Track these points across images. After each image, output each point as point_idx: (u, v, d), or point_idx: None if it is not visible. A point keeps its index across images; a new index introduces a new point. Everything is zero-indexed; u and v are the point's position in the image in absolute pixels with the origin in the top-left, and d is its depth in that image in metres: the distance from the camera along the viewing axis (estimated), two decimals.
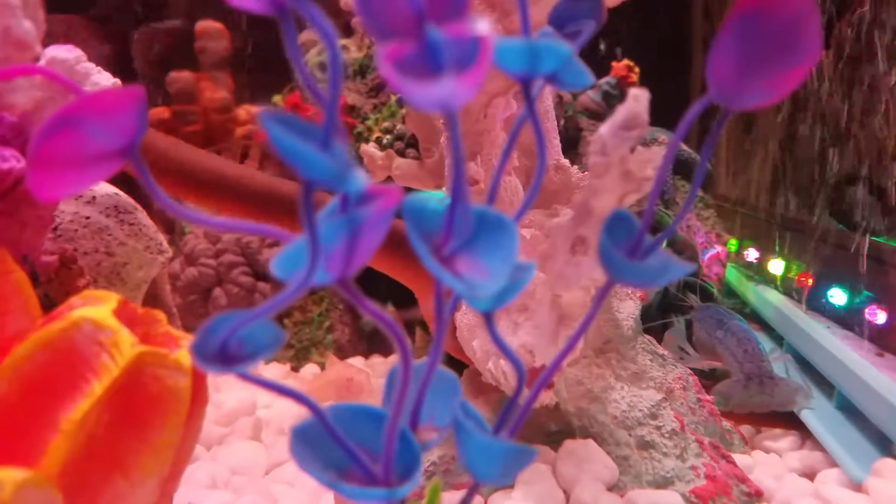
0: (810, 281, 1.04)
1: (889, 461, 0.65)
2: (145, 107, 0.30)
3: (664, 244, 1.28)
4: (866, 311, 0.86)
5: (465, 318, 0.70)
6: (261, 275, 1.29)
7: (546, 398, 0.65)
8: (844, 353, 0.82)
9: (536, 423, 0.71)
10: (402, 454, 0.32)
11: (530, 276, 0.37)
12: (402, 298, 1.05)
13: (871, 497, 0.62)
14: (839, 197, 1.07)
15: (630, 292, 0.83)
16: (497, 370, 0.64)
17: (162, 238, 0.79)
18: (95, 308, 0.32)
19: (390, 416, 0.31)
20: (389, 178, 0.91)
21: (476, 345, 0.68)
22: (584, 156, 1.42)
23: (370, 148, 0.95)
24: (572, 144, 1.44)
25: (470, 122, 0.67)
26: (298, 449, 0.27)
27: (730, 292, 1.35)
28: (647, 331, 1.12)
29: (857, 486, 0.66)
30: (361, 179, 0.25)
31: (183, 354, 0.32)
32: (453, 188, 0.30)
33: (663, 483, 0.65)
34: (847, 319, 0.94)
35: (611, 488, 0.64)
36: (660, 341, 1.08)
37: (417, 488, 0.68)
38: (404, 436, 0.35)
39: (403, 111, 1.30)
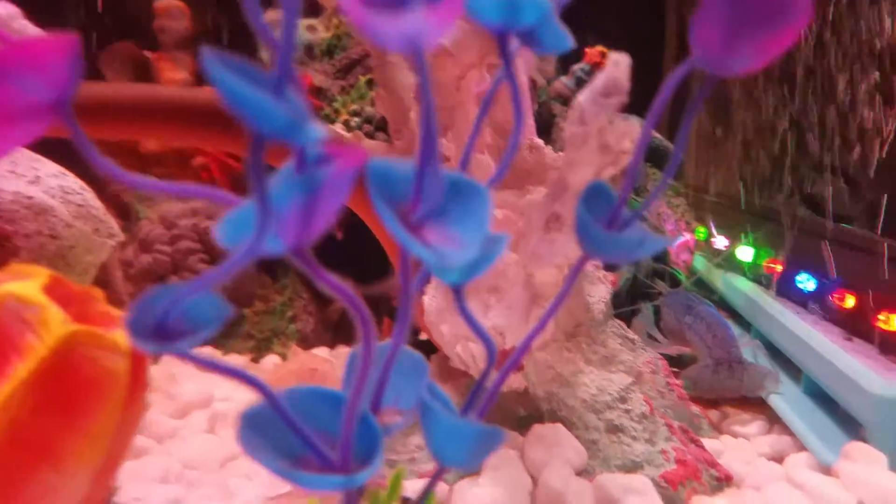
0: (779, 267, 1.04)
1: (859, 444, 0.65)
2: (78, 58, 0.26)
3: None
4: (835, 295, 0.86)
5: (434, 302, 0.67)
6: (219, 261, 1.25)
7: (515, 382, 0.63)
8: (813, 337, 0.82)
9: (505, 408, 0.69)
10: (361, 438, 0.29)
11: (502, 248, 0.34)
12: (368, 278, 1.02)
13: (841, 480, 0.62)
14: (810, 184, 1.08)
15: (602, 276, 0.81)
16: (466, 353, 0.62)
17: (112, 221, 0.75)
18: (22, 283, 0.29)
19: (349, 398, 0.28)
20: None
21: (445, 329, 0.66)
22: (556, 142, 1.40)
23: (337, 129, 0.92)
24: (545, 130, 1.42)
25: (442, 96, 0.64)
26: (247, 435, 0.25)
27: (699, 280, 1.36)
28: (616, 317, 1.11)
29: (827, 470, 0.66)
30: (319, 131, 0.22)
31: (120, 335, 0.29)
32: (422, 148, 0.27)
33: (633, 467, 0.64)
34: (816, 305, 0.94)
35: (580, 473, 0.63)
36: (629, 327, 1.08)
37: (378, 477, 0.65)
38: (365, 419, 0.33)
39: (373, 93, 1.26)
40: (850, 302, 0.85)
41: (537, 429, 0.65)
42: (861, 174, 1.00)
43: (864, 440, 0.67)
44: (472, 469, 0.63)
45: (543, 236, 0.50)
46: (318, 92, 1.41)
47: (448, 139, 0.65)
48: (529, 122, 0.80)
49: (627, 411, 0.69)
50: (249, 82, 0.21)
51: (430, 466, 0.66)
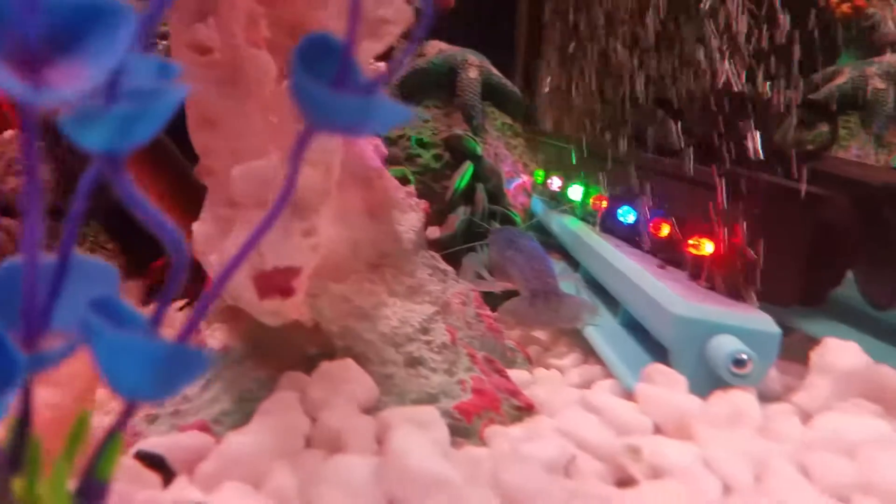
0: (604, 203, 1.03)
1: (658, 366, 0.63)
2: None
3: (467, 173, 1.23)
4: (651, 226, 0.85)
5: (203, 228, 0.57)
6: (3, 208, 1.06)
7: (294, 313, 0.55)
8: (626, 267, 0.81)
9: (292, 347, 0.61)
10: None
11: (174, 103, 0.26)
12: None
13: (640, 404, 0.60)
14: (640, 120, 1.07)
15: (414, 204, 0.74)
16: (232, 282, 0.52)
17: None
18: None
19: None
20: None
21: (214, 259, 0.56)
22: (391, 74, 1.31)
23: None
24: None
25: None
26: None
27: (539, 223, 1.34)
28: (450, 258, 1.06)
29: (630, 395, 0.64)
30: None
31: None
32: None
33: (429, 400, 0.59)
34: (635, 237, 0.94)
35: (370, 410, 0.56)
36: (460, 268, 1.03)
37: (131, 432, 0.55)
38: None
39: None
40: (664, 231, 0.84)
41: (324, 367, 0.57)
42: (688, 110, 1.01)
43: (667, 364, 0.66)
44: (166, 396, 0.54)
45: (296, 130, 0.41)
46: None
47: (208, 26, 0.54)
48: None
49: (428, 343, 0.63)
50: None
51: (196, 419, 0.56)
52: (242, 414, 0.56)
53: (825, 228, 0.70)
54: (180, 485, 0.48)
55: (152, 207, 0.27)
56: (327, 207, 0.47)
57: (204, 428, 0.56)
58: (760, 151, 0.75)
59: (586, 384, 0.72)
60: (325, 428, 0.52)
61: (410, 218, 0.73)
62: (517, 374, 0.71)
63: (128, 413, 0.30)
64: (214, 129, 0.58)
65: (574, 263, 1.10)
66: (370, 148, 0.69)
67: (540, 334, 0.90)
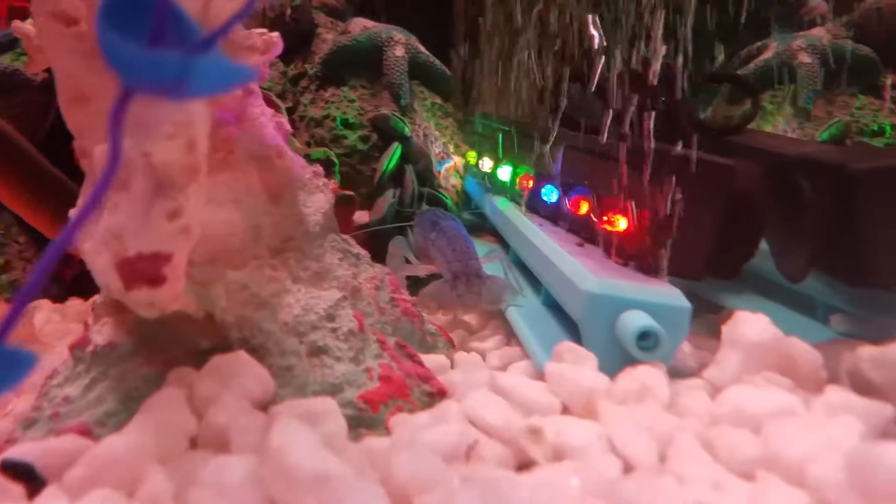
0: (530, 183, 1.02)
1: (568, 344, 0.62)
2: None
3: (395, 155, 1.19)
4: (569, 203, 0.84)
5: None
6: None
7: (174, 303, 0.50)
8: (545, 246, 0.79)
9: (183, 341, 0.57)
10: None
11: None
12: None
13: (548, 383, 0.58)
14: (564, 97, 1.05)
15: (321, 185, 0.71)
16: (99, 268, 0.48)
17: None
18: None
19: None
20: None
21: (88, 247, 0.51)
22: (316, 54, 1.27)
23: None
24: (305, 42, 1.28)
25: None
26: None
27: (474, 207, 1.32)
28: (380, 243, 1.03)
29: (542, 376, 0.62)
30: None
31: None
32: None
33: (331, 391, 0.56)
34: (557, 215, 0.93)
35: (265, 405, 0.53)
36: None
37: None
38: None
39: None
40: (583, 208, 0.83)
41: (214, 360, 0.54)
42: (604, 87, 0.99)
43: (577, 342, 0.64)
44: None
45: (143, 99, 0.38)
46: None
47: None
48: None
49: (334, 330, 0.61)
50: None
51: (76, 422, 0.52)
52: (128, 414, 0.52)
53: (737, 201, 0.69)
54: (50, 495, 0.44)
55: None
56: (198, 186, 0.43)
57: (85, 431, 0.52)
58: (674, 126, 0.75)
59: (506, 367, 0.71)
60: (212, 426, 0.48)
61: (318, 199, 0.69)
62: (436, 359, 0.69)
63: None
64: (87, 106, 0.54)
65: (507, 245, 1.09)
66: (270, 125, 0.65)
67: (470, 318, 0.89)
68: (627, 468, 0.47)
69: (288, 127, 0.69)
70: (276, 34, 0.61)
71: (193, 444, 0.49)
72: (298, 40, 1.28)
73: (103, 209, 0.48)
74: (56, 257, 0.28)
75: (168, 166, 0.41)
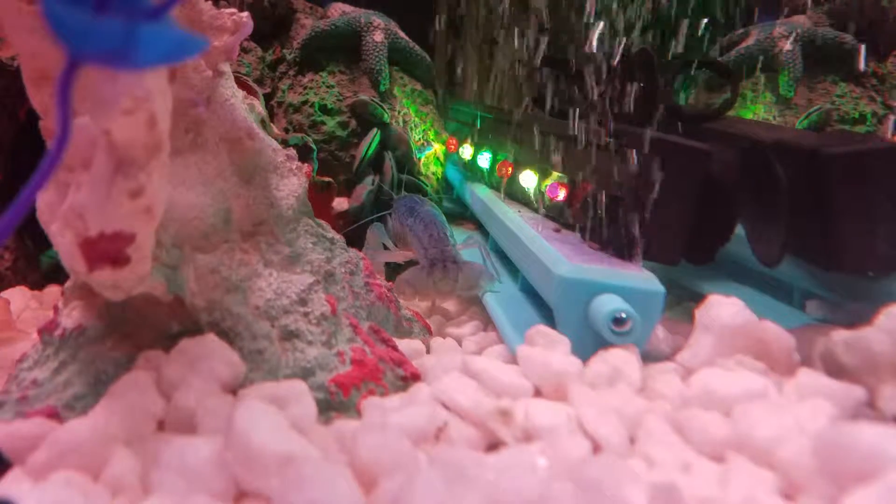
0: (510, 169, 1.02)
1: (541, 328, 0.62)
2: None
3: (374, 141, 1.18)
4: (547, 189, 0.84)
5: (45, 195, 0.52)
6: None
7: (135, 283, 0.49)
8: (522, 232, 0.79)
9: (153, 324, 0.56)
10: None
11: None
12: None
13: (521, 367, 0.58)
14: (538, 83, 1.05)
15: (295, 168, 0.70)
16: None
17: None
18: None
19: None
20: None
21: (55, 228, 0.50)
22: (294, 39, 1.25)
23: None
24: (284, 27, 1.27)
25: None
26: None
27: (457, 195, 1.32)
28: (360, 229, 1.03)
29: (515, 359, 0.62)
30: None
31: None
32: None
33: (302, 374, 0.56)
34: (535, 202, 0.93)
35: (234, 389, 0.53)
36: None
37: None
38: None
39: None
40: (562, 194, 0.83)
41: (182, 344, 0.53)
42: (582, 72, 0.99)
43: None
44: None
45: (102, 74, 0.37)
46: None
47: None
48: None
49: (306, 314, 0.60)
50: None
51: (44, 405, 0.52)
52: (97, 398, 0.51)
53: (712, 186, 0.70)
54: (13, 478, 0.44)
55: None
56: (161, 164, 0.42)
57: (52, 414, 0.51)
58: (653, 111, 0.74)
59: (481, 351, 0.71)
60: (179, 409, 0.48)
61: (291, 183, 0.69)
62: (411, 344, 0.69)
63: None
64: (50, 85, 0.53)
65: (484, 230, 1.08)
66: (240, 107, 0.64)
67: (448, 304, 0.88)
68: (596, 449, 0.48)
69: (260, 109, 0.68)
70: (245, 14, 0.60)
71: (161, 426, 0.48)
72: (276, 25, 1.26)
73: (71, 189, 0.47)
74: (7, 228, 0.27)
75: (128, 144, 0.40)
